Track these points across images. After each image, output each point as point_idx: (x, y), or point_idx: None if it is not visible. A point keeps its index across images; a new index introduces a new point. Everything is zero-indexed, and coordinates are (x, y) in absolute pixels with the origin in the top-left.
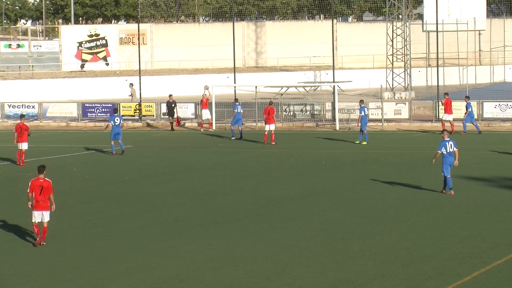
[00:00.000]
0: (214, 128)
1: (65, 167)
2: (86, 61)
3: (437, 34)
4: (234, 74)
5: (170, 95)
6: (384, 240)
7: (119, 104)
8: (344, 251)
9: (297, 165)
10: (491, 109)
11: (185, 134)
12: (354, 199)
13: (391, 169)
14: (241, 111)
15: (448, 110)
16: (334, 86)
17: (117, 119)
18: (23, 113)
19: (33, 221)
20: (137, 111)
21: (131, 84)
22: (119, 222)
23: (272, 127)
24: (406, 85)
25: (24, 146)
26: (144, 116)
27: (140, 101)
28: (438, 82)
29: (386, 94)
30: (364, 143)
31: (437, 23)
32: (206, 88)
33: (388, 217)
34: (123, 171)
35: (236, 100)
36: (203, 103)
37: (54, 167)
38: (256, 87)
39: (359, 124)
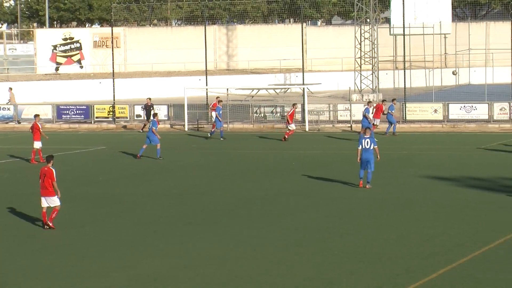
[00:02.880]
0: (186, 129)
1: (40, 167)
2: (61, 64)
3: (403, 37)
4: (206, 76)
5: (148, 98)
6: (355, 239)
7: (93, 106)
8: (315, 250)
9: (268, 166)
10: (456, 111)
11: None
12: (325, 199)
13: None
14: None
15: (377, 114)
16: (303, 88)
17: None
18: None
19: (42, 206)
20: (111, 113)
21: (10, 88)
22: (94, 222)
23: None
24: (374, 87)
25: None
26: (118, 117)
27: (114, 103)
28: (405, 84)
29: (355, 96)
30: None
31: (404, 27)
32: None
33: (358, 216)
34: (98, 172)
35: (220, 102)
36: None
37: (29, 168)
38: (227, 89)
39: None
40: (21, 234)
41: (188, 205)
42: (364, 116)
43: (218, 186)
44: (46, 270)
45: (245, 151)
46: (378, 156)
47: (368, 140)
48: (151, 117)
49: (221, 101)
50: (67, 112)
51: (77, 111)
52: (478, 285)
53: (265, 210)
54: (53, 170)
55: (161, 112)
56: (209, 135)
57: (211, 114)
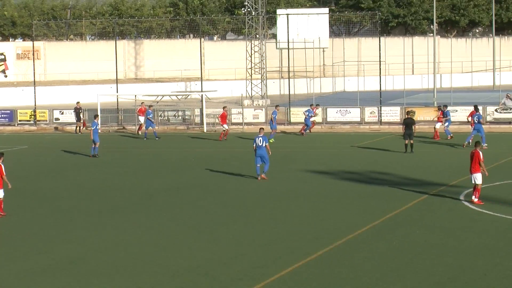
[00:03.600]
0: (100, 130)
1: None
2: None
3: (288, 51)
4: (117, 84)
5: (78, 102)
6: (245, 225)
7: (16, 111)
8: (210, 235)
9: (171, 162)
10: (333, 114)
11: (76, 136)
12: (219, 191)
13: (252, 165)
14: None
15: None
16: (202, 95)
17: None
18: None
19: None
20: (33, 116)
21: None
22: (16, 213)
23: (226, 126)
24: (263, 94)
25: None
26: (39, 121)
27: (35, 108)
28: (289, 91)
29: (246, 102)
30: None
31: (288, 42)
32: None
33: (248, 206)
34: (20, 168)
35: (150, 106)
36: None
37: None
38: (135, 95)
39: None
40: None
41: (100, 197)
42: (271, 119)
43: (126, 180)
44: None
45: (150, 149)
46: (269, 152)
47: (260, 138)
48: (93, 119)
49: (151, 106)
50: None
51: (2, 115)
52: (353, 262)
53: (168, 201)
54: (2, 166)
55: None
56: (144, 138)
57: (138, 118)
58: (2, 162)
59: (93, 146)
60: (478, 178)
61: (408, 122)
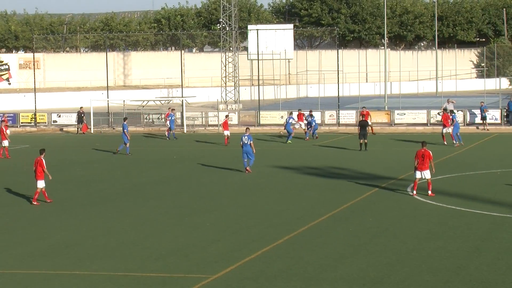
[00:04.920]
0: (92, 131)
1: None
2: None
3: (258, 61)
4: (108, 91)
5: (81, 108)
6: (220, 214)
7: (19, 114)
8: (190, 223)
9: (155, 159)
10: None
11: (74, 136)
12: (197, 184)
13: (226, 161)
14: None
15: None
16: (182, 100)
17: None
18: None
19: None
20: (33, 119)
21: None
22: (16, 204)
23: (228, 133)
24: (236, 99)
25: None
26: (39, 123)
27: (35, 111)
28: (259, 97)
29: (221, 106)
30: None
31: (258, 54)
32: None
33: (222, 197)
34: (23, 164)
35: (173, 109)
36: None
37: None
38: (124, 101)
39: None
40: None
41: (92, 189)
42: (289, 122)
43: (114, 174)
44: None
45: (137, 148)
46: (253, 149)
47: (246, 137)
48: (123, 121)
49: (174, 109)
50: None
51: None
52: (315, 246)
53: (152, 193)
54: (43, 160)
55: (72, 118)
56: (174, 138)
57: (166, 122)
58: (44, 157)
59: (123, 145)
60: (427, 174)
61: (363, 124)
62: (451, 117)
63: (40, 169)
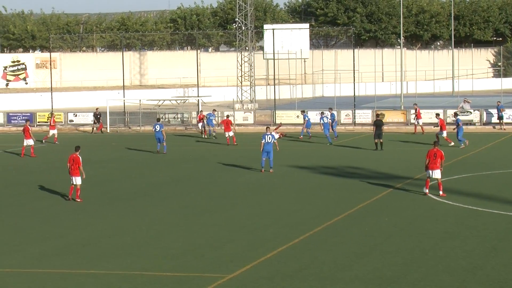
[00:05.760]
0: (108, 131)
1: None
2: (10, 81)
3: (274, 61)
4: (124, 90)
5: (97, 108)
6: (235, 213)
7: (36, 113)
8: (205, 222)
9: (171, 158)
10: (313, 116)
11: (89, 136)
12: (212, 183)
13: (241, 160)
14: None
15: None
16: (198, 99)
17: (157, 126)
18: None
19: (71, 183)
20: (50, 118)
21: None
22: (31, 202)
23: (230, 133)
24: (252, 99)
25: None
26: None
27: (52, 111)
28: (274, 96)
29: (237, 105)
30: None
31: (274, 53)
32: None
33: (237, 196)
34: (40, 162)
35: (214, 110)
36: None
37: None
38: (140, 100)
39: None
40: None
41: (106, 187)
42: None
43: (132, 173)
44: None
45: (152, 148)
46: (278, 147)
47: (270, 135)
48: (157, 121)
49: (215, 110)
50: (15, 118)
51: (23, 117)
52: (330, 246)
53: (166, 191)
54: (80, 157)
55: (88, 118)
56: (214, 138)
57: (204, 122)
58: (79, 154)
59: (159, 144)
60: (438, 173)
61: (378, 124)
62: (455, 120)
63: (76, 166)
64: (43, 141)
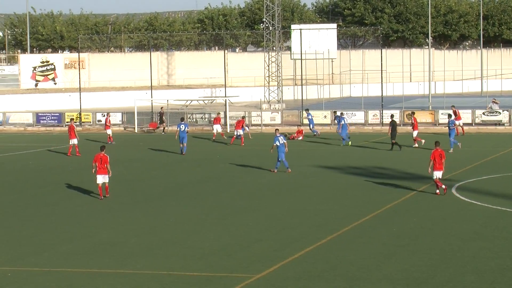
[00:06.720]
0: (136, 131)
1: (22, 161)
2: (39, 81)
3: (301, 61)
4: (151, 90)
5: (162, 107)
6: (262, 213)
7: (64, 113)
8: (232, 222)
9: (198, 158)
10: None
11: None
12: (239, 183)
13: (267, 161)
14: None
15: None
16: (225, 99)
17: (182, 126)
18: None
19: (97, 182)
20: (78, 118)
21: None
22: (64, 201)
23: (240, 131)
24: (279, 99)
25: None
26: (84, 122)
27: (80, 111)
28: (302, 96)
29: (264, 106)
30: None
31: (301, 53)
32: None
33: (264, 196)
34: (69, 163)
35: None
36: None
37: (14, 161)
38: (167, 100)
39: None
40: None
41: (134, 187)
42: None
43: (158, 173)
44: (27, 238)
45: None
46: (286, 149)
47: (282, 137)
48: (180, 121)
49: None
50: (44, 118)
51: (52, 117)
52: (358, 246)
53: (194, 191)
54: (108, 156)
55: (116, 118)
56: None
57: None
58: (106, 153)
59: (181, 144)
60: (440, 174)
61: (393, 124)
62: (448, 121)
63: (104, 165)
64: (110, 142)
